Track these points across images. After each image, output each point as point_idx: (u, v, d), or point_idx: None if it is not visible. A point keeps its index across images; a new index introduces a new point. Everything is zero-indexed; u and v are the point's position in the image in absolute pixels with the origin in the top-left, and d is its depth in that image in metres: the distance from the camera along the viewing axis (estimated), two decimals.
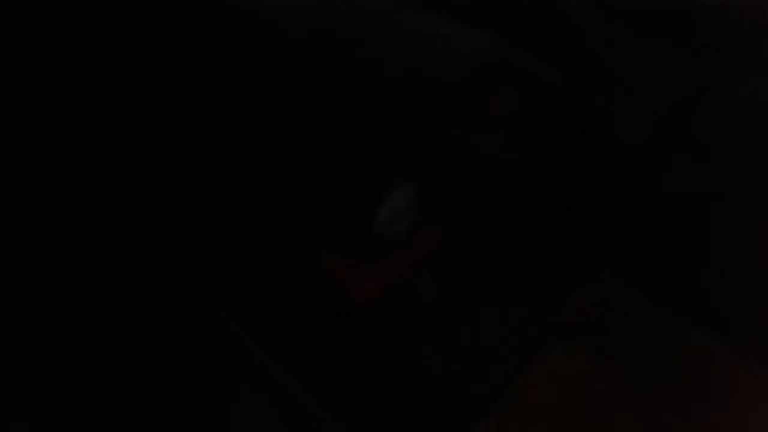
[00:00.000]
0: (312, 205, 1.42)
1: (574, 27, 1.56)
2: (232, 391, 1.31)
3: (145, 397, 1.29)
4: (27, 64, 1.62)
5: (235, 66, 1.59)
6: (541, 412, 1.36)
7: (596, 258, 1.49)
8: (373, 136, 1.46)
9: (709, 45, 1.65)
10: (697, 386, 1.40)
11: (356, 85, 1.50)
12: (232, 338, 1.38)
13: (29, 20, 1.66)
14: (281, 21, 1.58)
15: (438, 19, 1.61)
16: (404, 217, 1.40)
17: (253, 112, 1.53)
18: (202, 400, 1.30)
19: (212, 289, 1.44)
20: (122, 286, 1.43)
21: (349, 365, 1.38)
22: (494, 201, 1.48)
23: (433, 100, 1.51)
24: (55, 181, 1.55)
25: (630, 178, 1.52)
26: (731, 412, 1.36)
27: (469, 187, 1.47)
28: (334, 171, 1.41)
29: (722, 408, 1.36)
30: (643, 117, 1.55)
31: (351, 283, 1.40)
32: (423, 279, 1.45)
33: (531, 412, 1.36)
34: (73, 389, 1.31)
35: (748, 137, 1.60)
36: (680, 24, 1.65)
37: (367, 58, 1.55)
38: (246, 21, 1.62)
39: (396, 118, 1.47)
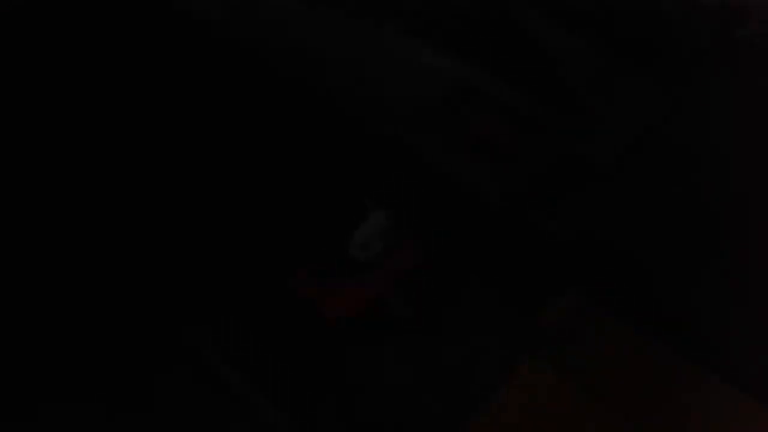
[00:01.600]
0: (289, 230, 1.40)
1: (546, 54, 1.54)
2: (206, 411, 1.31)
3: (119, 417, 1.28)
4: (20, 66, 1.54)
5: (214, 92, 1.53)
6: (509, 428, 1.40)
7: (565, 276, 1.52)
8: (347, 163, 1.44)
9: (680, 68, 1.66)
10: (661, 403, 1.45)
11: (333, 110, 1.47)
12: (205, 358, 1.37)
13: (27, 21, 1.56)
14: (256, 41, 1.53)
15: (415, 45, 1.57)
16: (378, 240, 1.39)
17: (230, 136, 1.48)
18: (174, 419, 1.30)
19: (188, 312, 1.42)
20: (97, 309, 1.40)
21: (324, 382, 1.39)
22: (468, 224, 1.48)
23: (410, 126, 1.48)
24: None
25: (601, 201, 1.54)
26: (695, 428, 1.42)
27: (443, 211, 1.47)
28: (310, 198, 1.39)
29: (686, 425, 1.42)
30: (615, 141, 1.55)
31: (325, 303, 1.40)
32: (397, 298, 1.45)
33: (499, 427, 1.40)
34: (35, 409, 1.29)
35: (723, 157, 1.63)
36: (652, 47, 1.65)
37: (343, 81, 1.51)
38: (225, 41, 1.56)
39: (371, 145, 1.44)
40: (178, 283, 1.42)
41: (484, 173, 1.48)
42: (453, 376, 1.42)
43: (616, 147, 1.57)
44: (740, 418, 1.44)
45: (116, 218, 1.48)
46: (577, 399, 1.46)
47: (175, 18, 1.60)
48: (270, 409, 1.28)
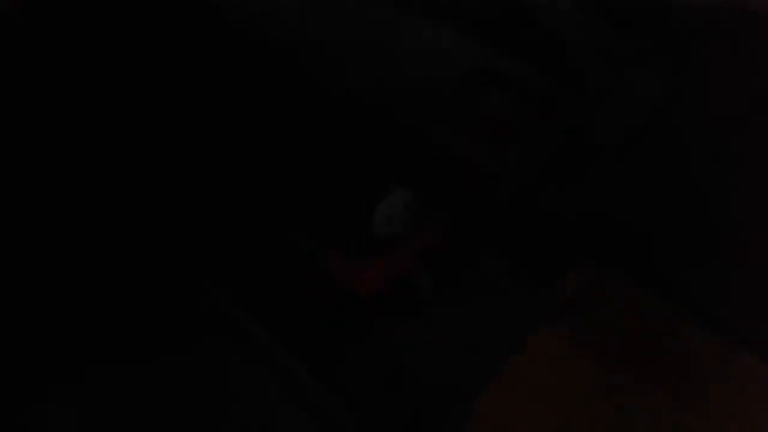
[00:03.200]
0: (315, 209, 1.50)
1: (554, 34, 1.61)
2: (233, 368, 1.42)
3: (150, 376, 1.40)
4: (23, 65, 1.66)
5: (237, 73, 1.64)
6: (528, 392, 1.49)
7: (578, 249, 1.60)
8: (368, 143, 1.53)
9: (688, 43, 1.72)
10: (680, 371, 1.52)
11: (351, 93, 1.56)
12: (235, 323, 1.48)
13: (28, 18, 1.68)
14: (277, 29, 1.63)
15: (428, 26, 1.65)
16: (400, 218, 1.49)
17: (256, 119, 1.59)
18: (205, 378, 1.40)
19: (220, 280, 1.53)
20: (129, 276, 1.51)
21: (350, 348, 1.49)
22: (484, 202, 1.56)
23: (424, 108, 1.57)
24: (55, 177, 1.61)
25: (611, 177, 1.61)
26: (714, 395, 1.49)
27: (460, 190, 1.56)
28: (334, 177, 1.49)
29: (704, 391, 1.49)
30: (622, 118, 1.63)
31: (352, 278, 1.50)
32: (420, 273, 1.55)
33: (518, 393, 1.48)
34: (83, 370, 1.41)
35: (728, 135, 1.69)
36: (658, 23, 1.71)
37: (359, 66, 1.60)
38: (241, 27, 1.66)
39: (389, 126, 1.54)
40: (212, 255, 1.53)
41: (497, 154, 1.57)
42: (471, 345, 1.51)
43: (623, 128, 1.65)
44: (757, 384, 1.51)
45: (154, 196, 1.60)
46: (593, 368, 1.54)
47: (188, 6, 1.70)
48: (299, 369, 1.39)
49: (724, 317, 1.52)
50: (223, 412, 1.37)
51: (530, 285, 1.59)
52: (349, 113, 1.58)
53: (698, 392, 1.48)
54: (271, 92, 1.64)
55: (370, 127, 1.56)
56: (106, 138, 1.68)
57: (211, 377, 1.38)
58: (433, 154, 1.56)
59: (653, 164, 1.65)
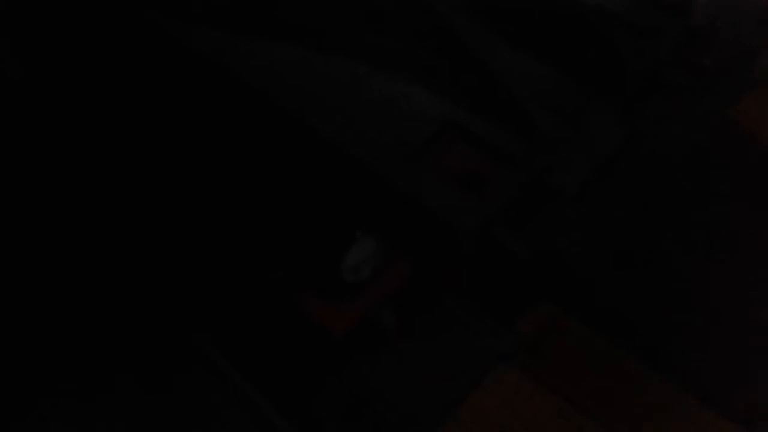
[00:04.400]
0: (291, 255, 1.63)
1: (513, 85, 1.73)
2: (213, 410, 1.56)
3: (130, 412, 1.53)
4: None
5: (213, 121, 1.75)
6: (486, 426, 1.62)
7: (536, 289, 1.72)
8: (337, 195, 1.66)
9: (643, 96, 1.83)
10: (626, 407, 1.65)
11: (323, 144, 1.68)
12: (214, 365, 1.61)
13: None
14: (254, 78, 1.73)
15: (399, 82, 1.77)
16: (367, 265, 1.62)
17: (237, 166, 1.71)
18: (184, 416, 1.54)
19: (200, 323, 1.66)
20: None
21: (319, 383, 1.63)
22: (448, 248, 1.69)
23: (393, 159, 1.69)
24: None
25: (567, 223, 1.73)
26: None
27: (425, 237, 1.68)
28: (308, 225, 1.62)
29: (643, 425, 1.61)
30: (579, 167, 1.74)
31: (324, 319, 1.63)
32: (386, 312, 1.68)
33: (477, 426, 1.62)
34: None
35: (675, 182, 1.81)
36: (615, 74, 1.82)
37: (330, 118, 1.72)
38: (225, 74, 1.77)
39: (358, 176, 1.66)
40: (194, 298, 1.66)
41: (462, 203, 1.69)
42: (432, 380, 1.65)
43: (580, 176, 1.76)
44: (698, 425, 1.63)
45: (124, 225, 1.72)
46: (548, 402, 1.67)
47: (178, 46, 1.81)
48: (274, 414, 1.53)
49: (670, 359, 1.64)
50: None
51: (490, 323, 1.72)
52: (321, 163, 1.70)
53: (639, 426, 1.62)
54: (250, 141, 1.76)
55: (341, 178, 1.69)
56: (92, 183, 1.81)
57: (189, 415, 1.51)
58: (400, 203, 1.69)
59: (607, 209, 1.77)
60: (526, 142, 1.74)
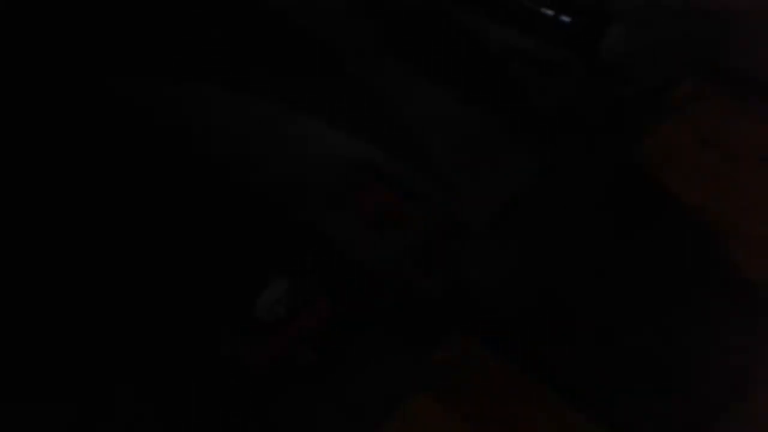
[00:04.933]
0: (207, 295, 1.74)
1: (419, 121, 1.81)
2: None
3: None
4: None
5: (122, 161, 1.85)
6: None
7: (449, 321, 1.80)
8: (253, 236, 1.76)
9: (556, 130, 1.91)
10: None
11: (240, 188, 1.79)
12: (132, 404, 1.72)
13: None
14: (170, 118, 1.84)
15: (315, 124, 1.87)
16: (281, 305, 1.71)
17: (140, 207, 1.82)
18: None
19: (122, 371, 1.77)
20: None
21: (238, 418, 1.73)
22: (363, 284, 1.78)
23: (308, 201, 1.79)
24: None
25: (476, 259, 1.81)
26: None
27: (341, 275, 1.78)
28: (219, 270, 1.73)
29: None
30: (487, 203, 1.82)
31: (241, 357, 1.73)
32: (304, 348, 1.77)
33: None
34: None
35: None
36: (525, 109, 1.90)
37: (247, 160, 1.82)
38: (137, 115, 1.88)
39: (274, 220, 1.76)
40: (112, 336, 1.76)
41: (373, 242, 1.78)
42: (349, 411, 1.73)
43: (489, 209, 1.84)
44: None
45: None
46: (462, 430, 1.74)
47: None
48: None
49: (586, 398, 1.70)
50: None
51: (405, 354, 1.79)
52: (236, 205, 1.81)
53: None
54: (167, 183, 1.87)
55: (257, 220, 1.79)
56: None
57: None
58: (316, 245, 1.78)
59: (522, 245, 1.84)
60: (433, 181, 1.83)
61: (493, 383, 1.80)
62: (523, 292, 1.80)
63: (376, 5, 1.87)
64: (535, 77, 1.96)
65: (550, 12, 2.01)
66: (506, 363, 1.80)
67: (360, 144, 1.85)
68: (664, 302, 1.77)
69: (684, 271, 1.76)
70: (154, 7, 1.82)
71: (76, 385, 1.71)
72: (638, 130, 2.03)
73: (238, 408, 1.71)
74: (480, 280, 1.80)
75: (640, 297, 1.78)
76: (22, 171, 1.94)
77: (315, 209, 1.79)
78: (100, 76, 1.83)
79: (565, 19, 2.02)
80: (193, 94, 1.83)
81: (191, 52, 1.85)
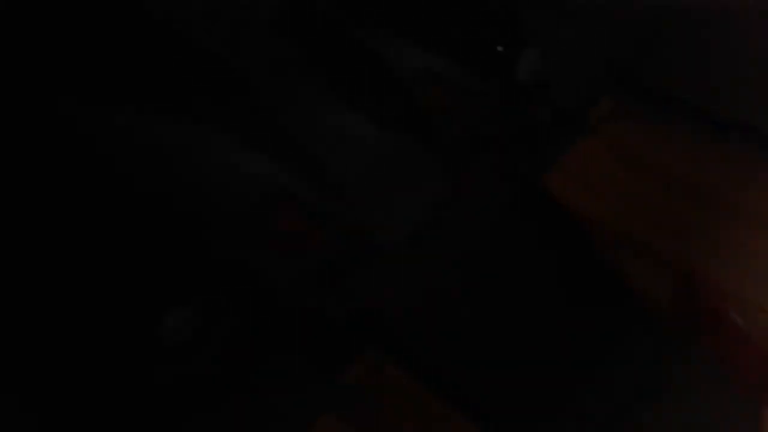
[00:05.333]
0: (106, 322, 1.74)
1: (330, 152, 1.83)
2: None
3: None
4: None
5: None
6: None
7: (357, 343, 1.81)
8: (157, 259, 1.76)
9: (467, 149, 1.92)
10: None
11: (149, 212, 1.79)
12: None
13: None
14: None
15: (220, 145, 1.88)
16: (190, 328, 1.72)
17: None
18: None
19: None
20: None
21: None
22: (272, 308, 1.79)
23: (216, 224, 1.80)
24: None
25: (388, 280, 1.82)
26: None
27: (249, 299, 1.79)
28: (119, 290, 1.73)
29: None
30: (399, 225, 1.84)
31: (148, 381, 1.73)
32: (212, 369, 1.78)
33: None
34: None
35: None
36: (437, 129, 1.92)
37: (153, 183, 1.82)
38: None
39: (180, 244, 1.77)
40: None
41: (281, 264, 1.79)
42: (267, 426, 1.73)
43: (401, 231, 1.85)
44: None
45: None
46: None
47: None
48: None
49: (478, 409, 1.71)
50: None
51: (315, 374, 1.80)
52: (147, 229, 1.81)
53: None
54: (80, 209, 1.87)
55: (168, 244, 1.80)
56: None
57: None
58: (225, 267, 1.79)
59: (426, 264, 1.86)
60: (345, 204, 1.84)
61: (404, 403, 1.81)
62: (433, 314, 1.81)
63: (286, 25, 1.89)
64: (449, 99, 1.98)
65: (464, 35, 2.03)
66: (417, 383, 1.81)
67: (270, 167, 1.86)
68: (568, 327, 1.78)
69: (589, 290, 1.78)
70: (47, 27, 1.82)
71: None
72: (554, 150, 2.05)
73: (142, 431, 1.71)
74: (391, 301, 1.81)
75: (546, 321, 1.79)
76: None
77: (224, 233, 1.80)
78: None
79: (480, 41, 2.04)
80: (99, 117, 1.84)
81: (90, 73, 1.85)
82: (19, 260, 1.83)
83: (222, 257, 1.79)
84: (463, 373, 1.77)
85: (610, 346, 1.75)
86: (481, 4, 2.07)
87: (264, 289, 1.79)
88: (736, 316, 1.72)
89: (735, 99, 2.20)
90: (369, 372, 1.82)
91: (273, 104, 1.91)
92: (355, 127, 1.90)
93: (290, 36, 1.87)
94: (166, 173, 1.86)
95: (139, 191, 1.82)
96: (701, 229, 1.90)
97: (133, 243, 1.79)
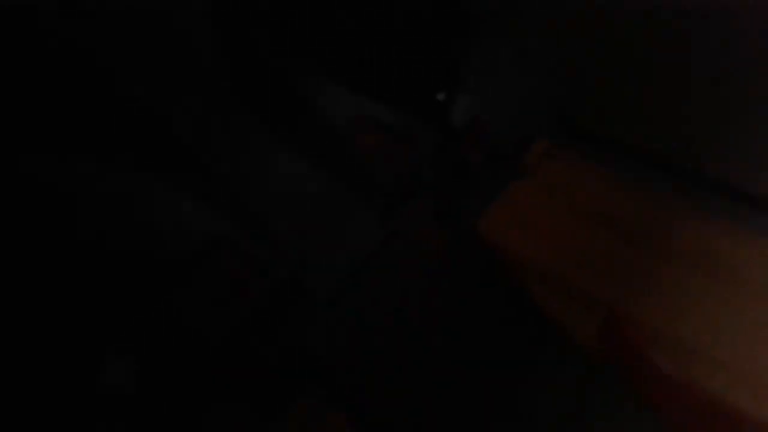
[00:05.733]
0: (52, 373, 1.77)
1: (271, 194, 1.88)
2: None
3: None
4: None
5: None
6: None
7: (296, 385, 1.84)
8: (100, 310, 1.80)
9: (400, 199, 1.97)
10: None
11: (89, 259, 1.83)
12: None
13: None
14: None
15: (155, 194, 1.93)
16: (131, 382, 1.75)
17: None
18: None
19: None
20: None
21: None
22: (208, 357, 1.82)
23: (151, 274, 1.84)
24: None
25: (321, 324, 1.86)
26: None
27: (185, 348, 1.82)
28: (62, 341, 1.76)
29: None
30: (333, 270, 1.88)
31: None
32: (158, 419, 1.80)
33: None
34: None
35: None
36: (372, 179, 1.97)
37: (91, 232, 1.86)
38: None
39: (117, 295, 1.80)
40: None
41: (216, 313, 1.83)
42: None
43: (335, 276, 1.90)
44: None
45: None
46: None
47: None
48: None
49: None
50: None
51: (257, 423, 1.83)
52: (87, 282, 1.85)
53: None
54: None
55: (105, 291, 1.83)
56: None
57: None
58: (161, 317, 1.83)
59: (368, 310, 1.90)
60: (279, 251, 1.89)
61: None
62: (365, 357, 1.85)
63: (226, 76, 1.95)
64: (386, 145, 2.03)
65: (403, 83, 2.09)
66: (352, 423, 1.84)
67: (207, 215, 1.91)
68: (494, 362, 1.82)
69: (516, 326, 1.82)
70: None
71: None
72: (489, 192, 2.10)
73: None
74: (324, 345, 1.85)
75: (473, 358, 1.83)
76: None
77: (165, 280, 1.83)
78: None
79: (419, 90, 2.11)
80: (43, 167, 1.87)
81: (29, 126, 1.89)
82: None
83: (162, 305, 1.82)
84: (398, 413, 1.80)
85: (533, 379, 1.79)
86: (421, 54, 2.14)
87: (204, 336, 1.82)
88: (658, 354, 1.77)
89: (667, 139, 2.27)
90: (311, 418, 1.85)
91: (213, 154, 1.96)
92: (294, 176, 1.95)
93: (230, 86, 1.93)
94: (108, 221, 1.90)
95: (81, 239, 1.86)
96: (628, 267, 1.96)
97: (73, 291, 1.83)
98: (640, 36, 2.18)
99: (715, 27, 1.84)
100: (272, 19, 1.95)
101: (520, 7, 2.18)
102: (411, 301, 1.89)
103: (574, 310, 1.95)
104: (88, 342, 1.78)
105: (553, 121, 2.29)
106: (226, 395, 1.83)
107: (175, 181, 1.96)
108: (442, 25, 2.04)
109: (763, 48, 1.78)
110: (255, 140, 1.96)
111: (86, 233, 1.87)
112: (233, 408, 1.84)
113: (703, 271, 1.98)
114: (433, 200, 2.03)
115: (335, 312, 1.87)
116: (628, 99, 2.47)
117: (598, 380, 1.78)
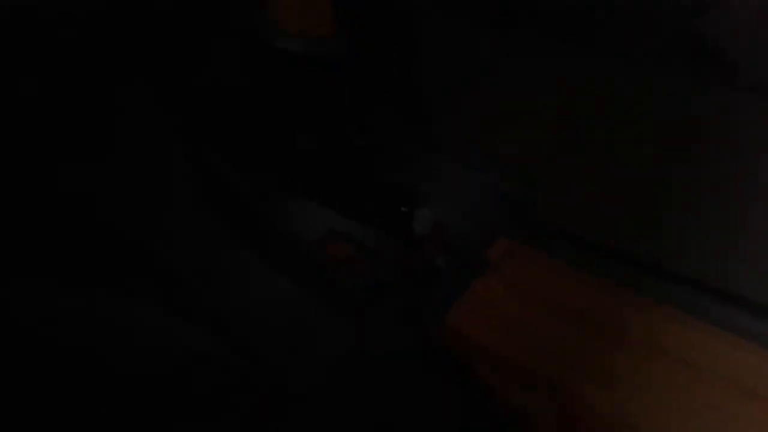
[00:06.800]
0: None
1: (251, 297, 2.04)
2: None
3: None
4: None
5: None
6: None
7: None
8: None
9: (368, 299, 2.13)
10: None
11: (68, 378, 1.97)
12: None
13: None
14: None
15: (128, 310, 2.09)
16: None
17: None
18: None
19: None
20: None
21: None
22: None
23: (139, 388, 1.98)
24: None
25: (300, 425, 1.97)
26: None
27: None
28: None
29: None
30: (304, 372, 2.01)
31: None
32: None
33: None
34: None
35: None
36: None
37: (67, 350, 2.01)
38: None
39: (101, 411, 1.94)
40: None
41: (200, 427, 1.96)
42: None
43: (307, 381, 2.03)
44: None
45: None
46: None
47: None
48: None
49: None
50: None
51: None
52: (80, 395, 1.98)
53: None
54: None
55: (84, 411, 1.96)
56: None
57: None
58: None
59: (331, 412, 2.01)
60: (253, 359, 2.03)
61: None
62: None
63: (200, 202, 2.16)
64: (353, 255, 2.21)
65: (368, 200, 2.30)
66: None
67: (184, 329, 2.07)
68: None
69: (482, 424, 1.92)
70: None
71: None
72: (453, 292, 2.25)
73: None
74: None
75: None
76: None
77: (145, 396, 1.97)
78: None
79: (383, 205, 2.31)
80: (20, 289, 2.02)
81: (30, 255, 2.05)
82: None
83: (142, 421, 1.96)
84: None
85: None
86: (380, 176, 2.36)
87: None
88: None
89: (625, 231, 2.42)
90: None
91: (189, 272, 2.15)
92: (265, 284, 2.12)
93: (204, 211, 2.14)
94: (87, 341, 2.06)
95: (61, 360, 2.00)
96: (591, 358, 2.07)
97: (54, 410, 1.96)
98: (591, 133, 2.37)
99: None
100: (233, 143, 2.17)
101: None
102: (383, 403, 2.01)
103: (536, 400, 2.04)
104: None
105: (513, 218, 2.46)
106: None
107: (158, 300, 2.13)
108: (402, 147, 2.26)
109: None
110: (234, 258, 2.15)
111: (65, 356, 2.00)
112: None
113: (657, 360, 2.09)
114: (401, 303, 2.18)
115: (313, 415, 1.99)
116: (581, 194, 2.64)
117: None
